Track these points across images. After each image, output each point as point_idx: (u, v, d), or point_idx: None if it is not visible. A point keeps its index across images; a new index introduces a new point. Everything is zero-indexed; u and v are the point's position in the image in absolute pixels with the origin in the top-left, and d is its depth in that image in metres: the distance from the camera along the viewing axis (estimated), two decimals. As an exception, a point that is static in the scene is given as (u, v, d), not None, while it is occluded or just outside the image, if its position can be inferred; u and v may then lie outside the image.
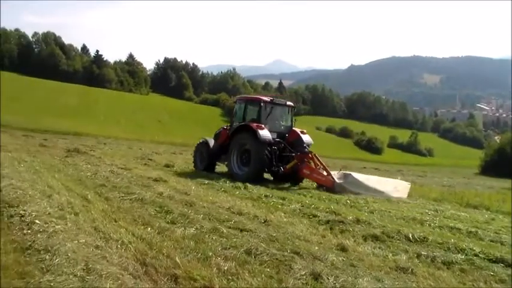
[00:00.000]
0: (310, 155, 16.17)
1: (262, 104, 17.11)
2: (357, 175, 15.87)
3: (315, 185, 15.96)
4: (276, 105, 17.69)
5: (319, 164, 16.16)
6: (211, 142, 18.40)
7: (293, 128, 17.56)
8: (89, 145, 27.25)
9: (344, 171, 16.74)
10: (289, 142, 17.04)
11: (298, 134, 17.07)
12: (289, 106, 18.08)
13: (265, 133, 16.02)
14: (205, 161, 18.28)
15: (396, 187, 15.88)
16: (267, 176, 17.34)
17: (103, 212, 8.05)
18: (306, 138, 17.05)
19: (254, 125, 16.31)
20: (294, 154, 16.36)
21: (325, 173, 15.71)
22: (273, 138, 16.49)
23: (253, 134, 16.10)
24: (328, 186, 14.99)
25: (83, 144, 26.56)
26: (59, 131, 39.44)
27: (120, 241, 6.22)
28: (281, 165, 16.36)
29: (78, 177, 12.32)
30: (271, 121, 17.24)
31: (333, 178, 15.27)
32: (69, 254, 5.36)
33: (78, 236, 6.21)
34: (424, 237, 8.19)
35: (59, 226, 6.50)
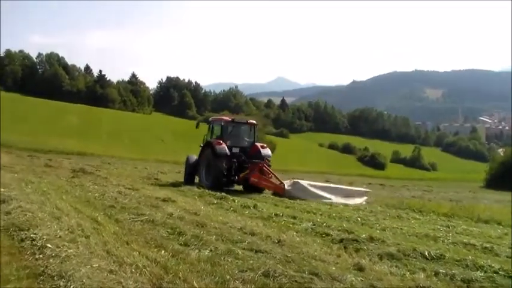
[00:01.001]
0: (259, 165, 18.55)
1: (223, 124, 20.33)
2: (304, 182, 17.84)
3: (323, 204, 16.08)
4: (237, 123, 21.03)
5: (270, 173, 18.57)
6: (193, 158, 21.01)
7: (255, 143, 19.92)
8: (94, 165, 27.13)
9: (294, 179, 18.56)
10: (250, 155, 19.39)
11: (258, 148, 19.47)
12: (250, 124, 20.79)
13: (221, 148, 18.64)
14: (186, 175, 21.03)
15: (349, 194, 17.72)
16: (238, 187, 19.48)
17: (114, 235, 7.90)
18: (265, 151, 19.42)
19: (214, 141, 19.17)
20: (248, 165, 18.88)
21: (277, 182, 18.06)
22: (235, 152, 19.14)
23: (212, 149, 18.79)
24: (279, 192, 17.33)
25: (88, 164, 26.47)
26: (63, 151, 39.43)
27: (134, 265, 6.04)
28: (237, 175, 18.98)
29: (86, 199, 12.19)
30: (234, 137, 20.06)
31: (284, 185, 17.53)
32: (84, 280, 5.24)
33: (91, 260, 6.06)
34: (441, 255, 8.03)
35: (71, 250, 6.38)
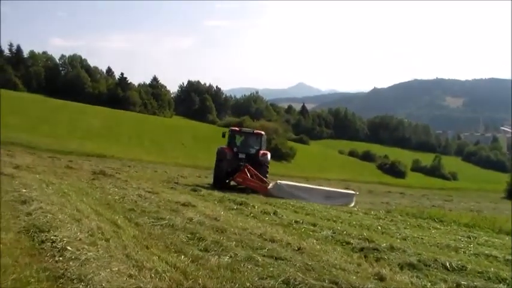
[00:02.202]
0: (245, 167, 21.01)
1: (231, 133, 23.73)
2: (284, 183, 20.16)
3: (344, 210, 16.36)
4: (244, 133, 24.10)
5: (254, 174, 20.93)
6: None
7: (260, 150, 22.72)
8: (114, 167, 27.28)
9: (278, 181, 20.74)
10: (255, 160, 22.20)
11: (258, 155, 22.44)
12: (256, 134, 23.86)
13: (222, 153, 22.06)
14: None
15: (329, 196, 19.53)
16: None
17: (134, 239, 7.88)
18: (263, 158, 22.31)
19: (220, 147, 22.60)
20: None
21: (260, 182, 20.57)
22: (241, 158, 22.17)
23: (217, 154, 22.24)
24: (262, 191, 19.72)
25: (108, 167, 26.61)
26: (84, 153, 39.71)
27: (153, 270, 6.02)
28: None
29: (106, 201, 12.21)
30: (241, 145, 23.27)
31: (267, 185, 20.07)
32: (103, 284, 5.23)
33: (110, 264, 6.03)
34: (462, 266, 7.94)
35: (91, 253, 6.35)
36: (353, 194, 20.84)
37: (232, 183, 22.47)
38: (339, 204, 18.31)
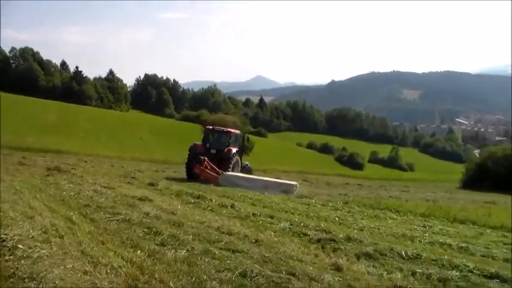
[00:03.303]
0: (202, 160, 23.19)
1: (205, 131, 27.19)
2: (229, 174, 22.67)
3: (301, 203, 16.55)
4: (216, 131, 26.55)
5: (210, 167, 23.11)
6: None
7: (228, 147, 24.99)
8: (69, 163, 26.60)
9: (224, 172, 22.84)
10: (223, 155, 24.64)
11: (226, 150, 24.77)
12: (227, 132, 26.28)
13: (192, 148, 25.10)
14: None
15: (268, 186, 21.11)
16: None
17: (89, 234, 7.73)
18: (227, 153, 24.58)
19: (193, 143, 25.74)
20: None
21: (214, 174, 22.62)
22: (212, 153, 24.63)
23: (188, 149, 25.26)
24: (214, 181, 21.71)
25: (63, 163, 25.93)
26: (38, 149, 38.67)
27: (109, 265, 5.93)
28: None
29: (60, 197, 11.89)
30: (214, 141, 25.76)
31: (218, 177, 22.14)
32: (56, 282, 5.11)
33: (64, 261, 5.90)
34: (418, 254, 8.17)
35: (44, 251, 6.18)
36: (292, 184, 22.12)
37: None
38: (278, 192, 19.72)
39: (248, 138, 30.11)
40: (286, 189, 21.06)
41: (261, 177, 24.47)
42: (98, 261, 6.12)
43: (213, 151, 24.97)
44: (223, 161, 24.37)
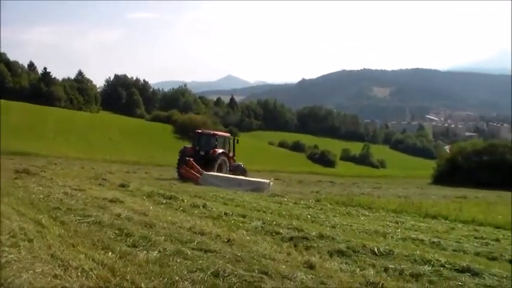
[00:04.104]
0: (188, 162, 25.32)
1: (194, 134, 29.82)
2: (208, 174, 24.04)
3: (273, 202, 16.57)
4: (205, 135, 29.50)
5: (195, 167, 24.96)
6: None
7: (214, 149, 27.61)
8: (39, 165, 26.22)
9: (204, 172, 24.27)
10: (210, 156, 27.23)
11: (211, 152, 27.41)
12: (213, 135, 29.17)
13: (182, 150, 28.01)
14: None
15: (241, 184, 22.22)
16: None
17: (59, 237, 7.62)
18: (212, 155, 27.16)
19: (184, 147, 28.96)
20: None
21: (198, 174, 24.12)
22: (202, 154, 27.26)
23: (179, 152, 28.06)
24: (195, 180, 23.21)
25: (32, 165, 25.54)
26: (6, 151, 37.94)
27: (80, 268, 5.85)
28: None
29: (29, 201, 11.71)
30: (202, 144, 28.41)
31: (199, 176, 23.57)
32: (25, 286, 5.04)
33: (34, 265, 5.82)
34: (390, 250, 8.25)
35: (12, 255, 6.10)
36: (264, 182, 23.45)
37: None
38: (251, 190, 20.74)
39: (238, 140, 31.39)
40: (259, 187, 21.95)
41: (236, 177, 25.32)
42: (68, 264, 6.04)
43: (201, 153, 27.46)
44: (209, 161, 26.60)
